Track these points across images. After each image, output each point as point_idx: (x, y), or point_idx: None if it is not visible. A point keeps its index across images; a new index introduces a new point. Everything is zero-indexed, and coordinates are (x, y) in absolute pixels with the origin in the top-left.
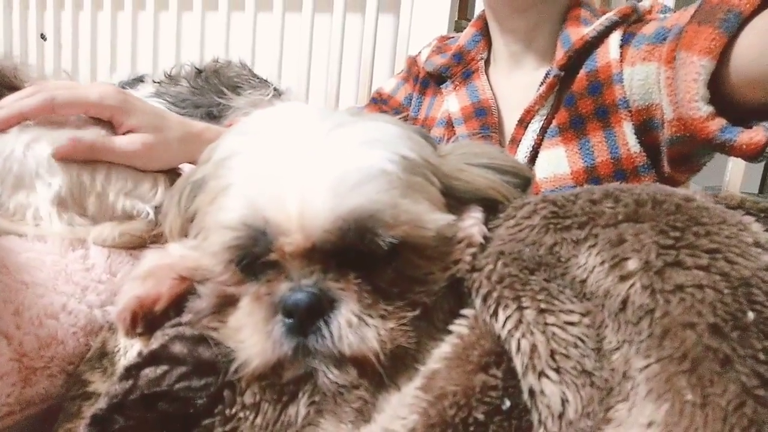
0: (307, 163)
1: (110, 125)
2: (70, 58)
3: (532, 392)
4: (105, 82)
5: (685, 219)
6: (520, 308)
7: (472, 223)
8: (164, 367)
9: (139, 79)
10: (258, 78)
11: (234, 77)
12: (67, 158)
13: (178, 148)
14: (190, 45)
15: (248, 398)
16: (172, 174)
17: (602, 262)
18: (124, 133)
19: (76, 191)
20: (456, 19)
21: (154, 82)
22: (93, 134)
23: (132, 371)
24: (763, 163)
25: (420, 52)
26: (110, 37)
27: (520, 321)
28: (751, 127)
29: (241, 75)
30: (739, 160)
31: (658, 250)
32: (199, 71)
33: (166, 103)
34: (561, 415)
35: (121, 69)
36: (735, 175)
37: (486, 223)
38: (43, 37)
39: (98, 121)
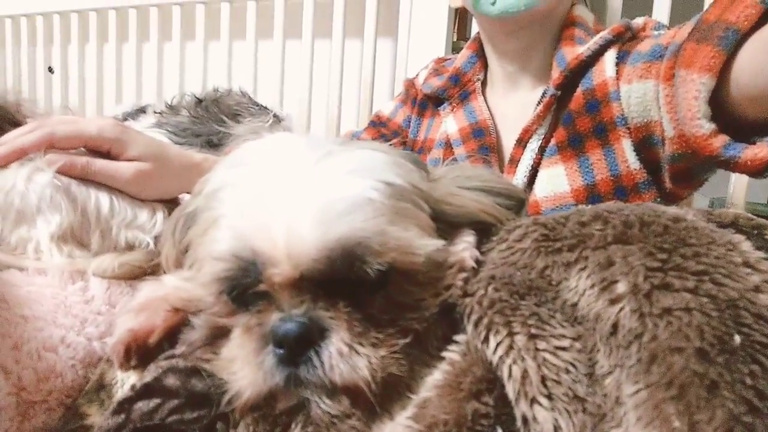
0: (295, 193)
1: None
2: (77, 89)
3: (524, 420)
4: (105, 116)
5: (673, 240)
6: (511, 334)
7: (464, 247)
8: (157, 400)
9: (142, 110)
10: (258, 105)
11: (234, 105)
12: (64, 173)
13: (175, 179)
14: (193, 74)
15: (241, 430)
16: (171, 204)
17: (592, 285)
18: None
19: (77, 228)
20: (454, 40)
21: (155, 112)
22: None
23: (124, 405)
24: None
25: (417, 75)
26: (115, 68)
27: (511, 347)
28: (754, 143)
29: (240, 103)
30: None
31: (646, 273)
32: (199, 100)
33: (167, 133)
34: None
35: (127, 100)
36: (740, 185)
37: (479, 246)
38: (50, 70)
39: (98, 155)
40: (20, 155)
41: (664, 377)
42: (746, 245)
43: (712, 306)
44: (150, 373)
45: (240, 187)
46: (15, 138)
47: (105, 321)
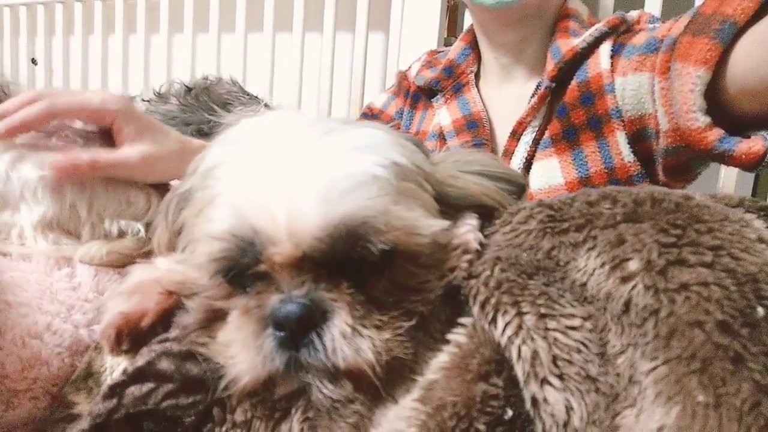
0: (296, 170)
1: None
2: (62, 82)
3: (534, 401)
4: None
5: (686, 217)
6: (520, 314)
7: (468, 229)
8: (150, 385)
9: (130, 98)
10: (248, 94)
11: (224, 94)
12: (67, 179)
13: (175, 162)
14: (181, 67)
15: (239, 416)
16: (162, 189)
17: (602, 264)
18: (121, 143)
19: (65, 221)
20: (445, 36)
21: (143, 100)
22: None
23: (116, 389)
24: None
25: (410, 67)
26: (101, 60)
27: (520, 327)
28: (749, 137)
29: (231, 92)
30: None
31: (660, 249)
32: (189, 89)
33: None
34: (566, 424)
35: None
36: (728, 180)
37: (481, 229)
38: (34, 61)
39: (84, 143)
40: (23, 129)
41: (686, 351)
42: (758, 223)
43: (731, 280)
44: (143, 357)
45: (238, 164)
46: (15, 109)
47: (92, 308)
